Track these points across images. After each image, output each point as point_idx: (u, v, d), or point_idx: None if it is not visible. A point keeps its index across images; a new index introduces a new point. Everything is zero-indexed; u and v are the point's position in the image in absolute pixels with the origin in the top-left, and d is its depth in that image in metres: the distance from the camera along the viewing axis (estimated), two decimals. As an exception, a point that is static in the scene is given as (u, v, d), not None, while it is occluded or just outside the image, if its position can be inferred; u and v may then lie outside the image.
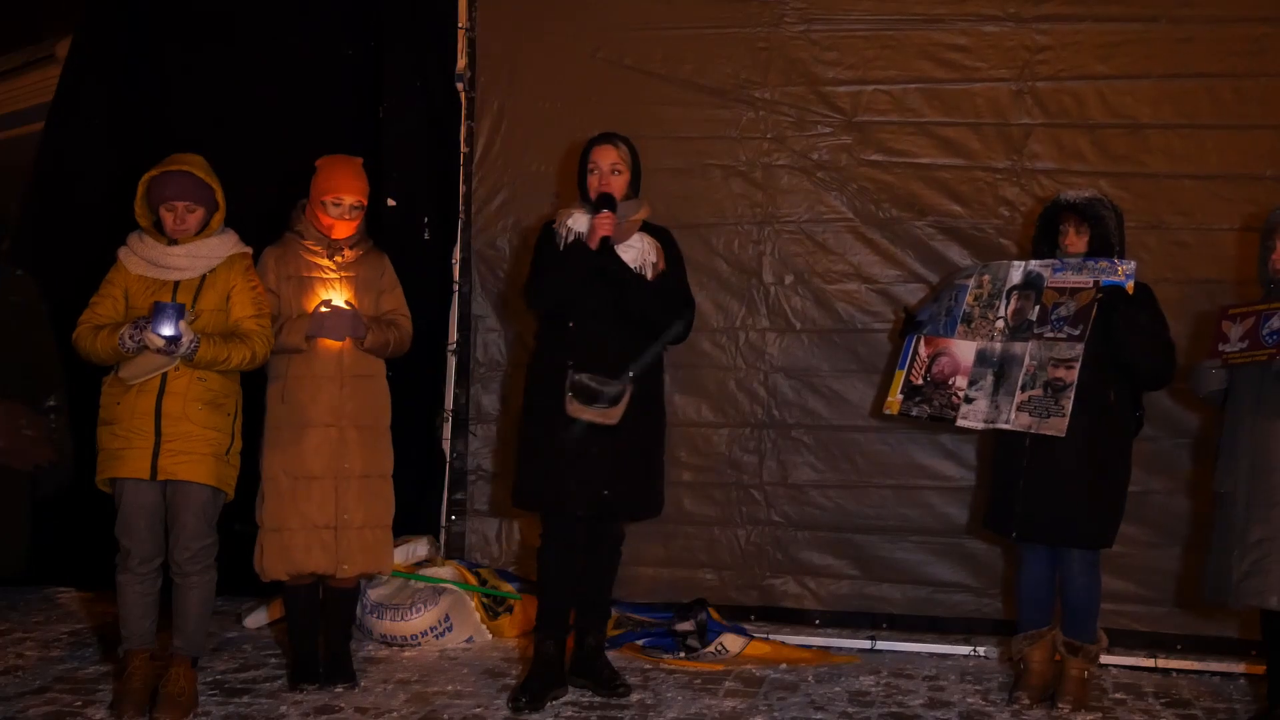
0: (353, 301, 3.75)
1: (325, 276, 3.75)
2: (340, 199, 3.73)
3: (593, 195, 3.62)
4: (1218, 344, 3.41)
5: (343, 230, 3.76)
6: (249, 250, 3.62)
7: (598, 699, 3.71)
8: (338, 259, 3.77)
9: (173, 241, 3.50)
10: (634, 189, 3.69)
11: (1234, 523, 3.35)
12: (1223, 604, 3.43)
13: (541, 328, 3.71)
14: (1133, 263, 3.58)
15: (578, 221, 3.62)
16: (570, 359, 3.54)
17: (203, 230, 3.52)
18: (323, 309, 3.70)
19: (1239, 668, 4.06)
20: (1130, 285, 3.53)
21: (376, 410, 3.81)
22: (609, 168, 3.62)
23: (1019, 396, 3.60)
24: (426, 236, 4.48)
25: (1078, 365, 3.51)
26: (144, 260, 3.51)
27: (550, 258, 3.63)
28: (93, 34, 5.02)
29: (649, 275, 3.62)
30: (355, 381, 3.74)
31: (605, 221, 3.55)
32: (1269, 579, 3.26)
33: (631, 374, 3.55)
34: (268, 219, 3.96)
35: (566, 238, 3.61)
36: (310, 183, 3.78)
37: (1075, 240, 3.66)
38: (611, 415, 3.52)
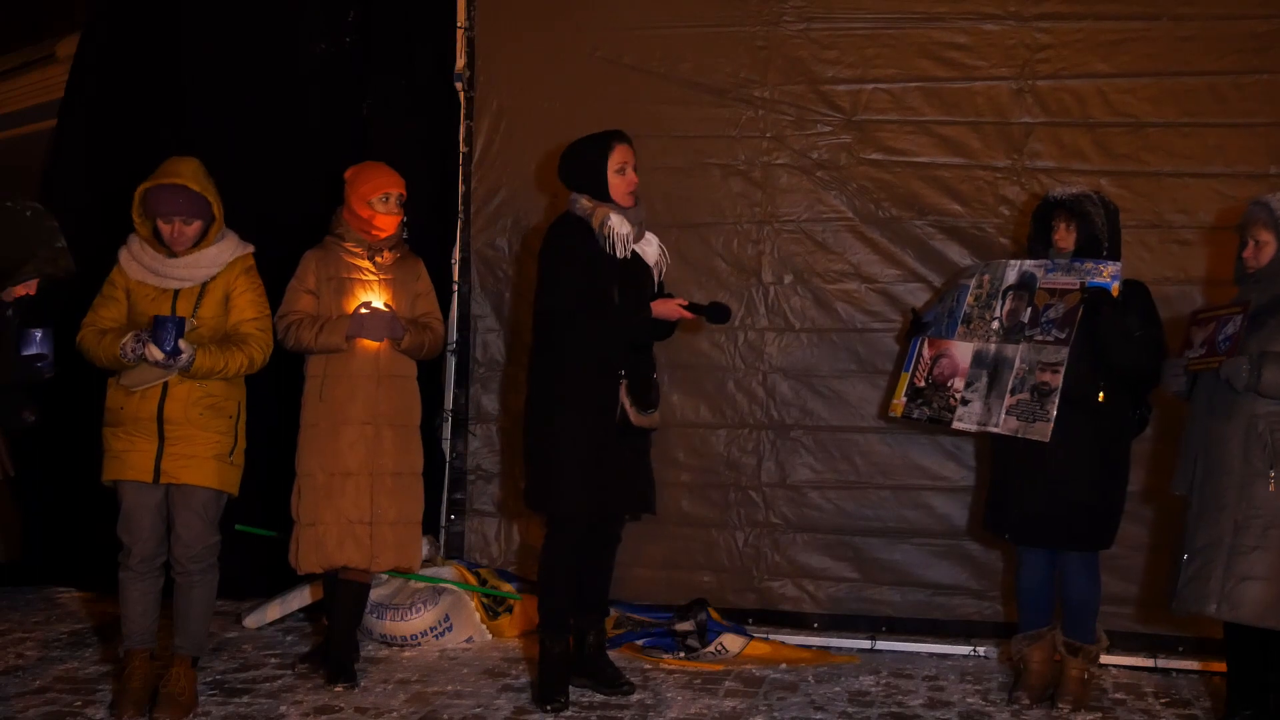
0: (391, 304, 3.85)
1: (365, 278, 3.86)
2: (388, 193, 3.86)
3: (620, 196, 3.57)
4: (1184, 349, 3.41)
5: (389, 224, 3.87)
6: (250, 249, 3.62)
7: (598, 698, 3.71)
8: (377, 260, 3.87)
9: (173, 254, 3.51)
10: None
11: (1186, 527, 3.35)
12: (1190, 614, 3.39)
13: (571, 333, 3.58)
14: (1118, 264, 3.55)
15: (621, 224, 3.58)
16: (621, 369, 3.55)
17: (202, 239, 3.52)
18: (362, 310, 3.79)
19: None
20: (1115, 287, 3.51)
21: (409, 409, 3.93)
22: (634, 168, 3.62)
23: (1008, 400, 3.61)
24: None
25: (1062, 369, 3.50)
26: (144, 268, 3.53)
27: (606, 272, 3.56)
28: (102, 30, 5.02)
29: (663, 271, 3.73)
30: (390, 381, 3.85)
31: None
32: (1209, 585, 3.23)
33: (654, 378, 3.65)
34: (265, 218, 3.98)
35: (610, 240, 3.56)
36: (346, 190, 3.88)
37: (1065, 237, 3.65)
38: (658, 419, 3.65)
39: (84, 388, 3.74)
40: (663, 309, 3.58)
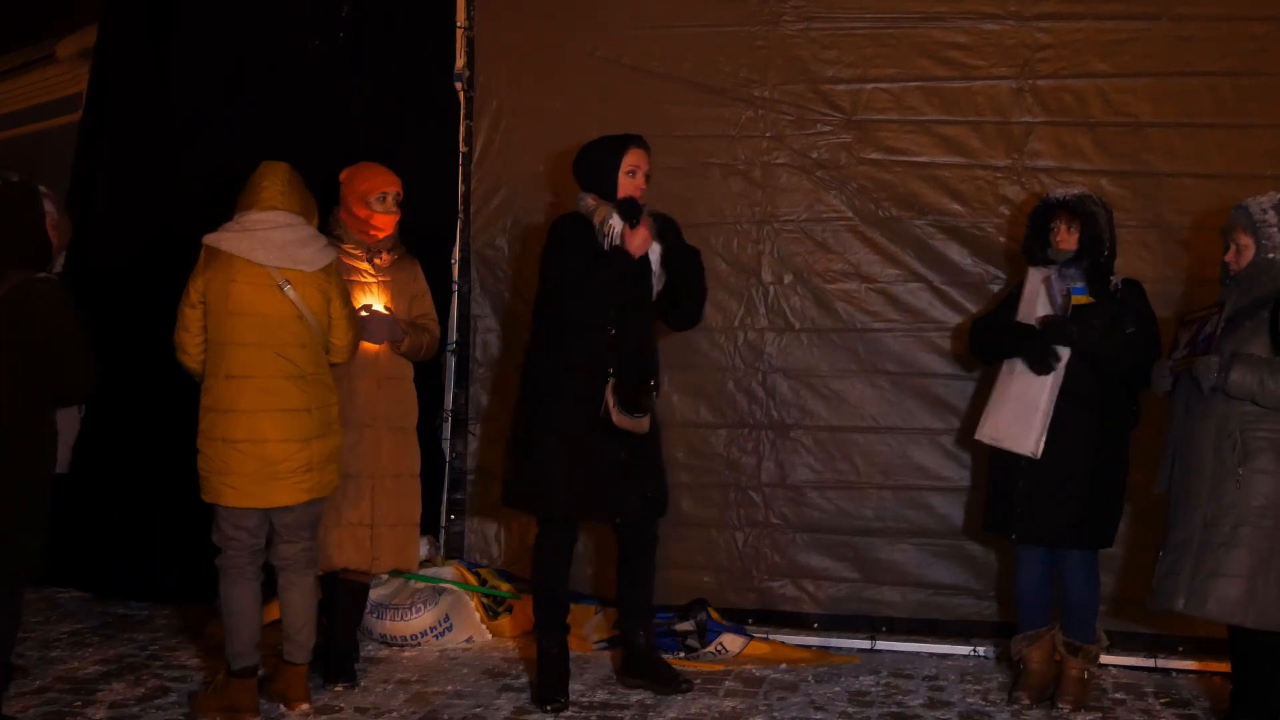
0: (390, 306, 3.86)
1: (364, 280, 3.86)
2: (385, 193, 3.86)
3: (625, 196, 3.61)
4: (1171, 351, 3.46)
5: (387, 223, 3.87)
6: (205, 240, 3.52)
7: (598, 698, 3.72)
8: (376, 261, 3.88)
9: None
10: None
11: (1165, 525, 3.39)
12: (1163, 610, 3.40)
13: (566, 331, 3.61)
14: (1073, 269, 3.60)
15: (620, 223, 3.59)
16: (610, 366, 3.54)
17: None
18: (363, 313, 3.79)
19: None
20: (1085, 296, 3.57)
21: (407, 411, 3.94)
22: (645, 174, 3.64)
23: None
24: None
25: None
26: None
27: (587, 258, 3.55)
28: (117, 26, 5.03)
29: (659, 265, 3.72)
30: (389, 383, 3.86)
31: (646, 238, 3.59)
32: (1179, 580, 3.26)
33: (655, 382, 3.61)
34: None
35: (610, 238, 3.57)
36: (342, 191, 3.88)
37: (1067, 238, 3.66)
38: (645, 424, 3.59)
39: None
40: (632, 242, 3.55)
